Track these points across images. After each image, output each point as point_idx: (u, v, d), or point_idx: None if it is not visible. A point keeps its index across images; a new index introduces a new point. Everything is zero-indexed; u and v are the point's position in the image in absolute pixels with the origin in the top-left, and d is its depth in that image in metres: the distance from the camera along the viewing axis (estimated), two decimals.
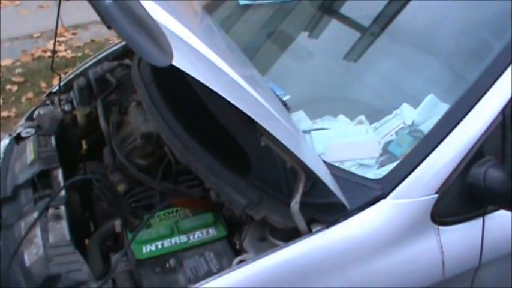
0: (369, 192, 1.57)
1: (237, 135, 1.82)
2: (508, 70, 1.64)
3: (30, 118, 2.54)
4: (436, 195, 1.58)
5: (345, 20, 2.38)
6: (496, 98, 1.63)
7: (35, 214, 1.88)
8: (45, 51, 5.72)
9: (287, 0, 2.63)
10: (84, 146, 2.52)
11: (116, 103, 2.42)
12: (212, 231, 1.84)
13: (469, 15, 2.02)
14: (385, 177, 1.62)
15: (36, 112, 2.54)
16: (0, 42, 5.65)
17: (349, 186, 1.57)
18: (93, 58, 2.74)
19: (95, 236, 1.97)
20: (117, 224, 1.93)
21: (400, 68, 2.09)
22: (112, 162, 2.24)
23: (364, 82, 2.12)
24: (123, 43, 2.73)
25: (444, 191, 1.59)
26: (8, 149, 2.36)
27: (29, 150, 2.25)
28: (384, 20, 2.20)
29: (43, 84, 5.05)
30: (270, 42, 2.50)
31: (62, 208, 1.93)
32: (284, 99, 1.98)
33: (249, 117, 1.31)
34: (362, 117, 1.87)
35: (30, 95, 4.93)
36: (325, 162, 1.66)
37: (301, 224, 1.54)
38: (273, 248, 1.54)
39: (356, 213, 1.54)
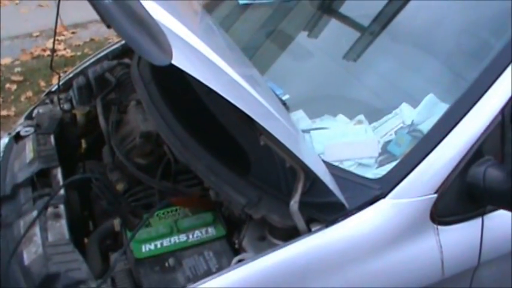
0: (368, 192, 1.57)
1: (236, 134, 1.82)
2: (508, 70, 1.64)
3: (29, 117, 2.54)
4: (435, 195, 1.58)
5: (345, 19, 2.38)
6: (496, 98, 1.63)
7: (34, 213, 1.88)
8: (44, 50, 5.72)
9: None
10: (84, 145, 2.53)
11: (115, 102, 2.42)
12: (211, 231, 1.84)
13: (469, 15, 2.02)
14: (384, 176, 1.62)
15: (35, 111, 2.54)
16: None
17: (348, 185, 1.57)
18: (93, 57, 2.74)
19: (94, 235, 1.97)
20: (116, 223, 1.93)
21: (400, 68, 2.09)
22: (111, 161, 2.24)
23: (364, 82, 2.12)
24: (123, 42, 2.73)
25: (443, 190, 1.59)
26: (7, 148, 2.36)
27: (28, 149, 2.25)
28: (383, 20, 2.20)
29: (42, 83, 5.05)
30: (270, 41, 2.50)
31: (61, 207, 1.93)
32: (283, 98, 1.99)
33: (248, 116, 1.31)
34: (361, 117, 1.87)
35: (29, 93, 4.93)
36: (324, 161, 1.66)
37: (301, 224, 1.54)
38: (272, 247, 1.54)
39: (355, 212, 1.54)
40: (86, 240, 2.03)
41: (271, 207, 1.64)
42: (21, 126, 2.44)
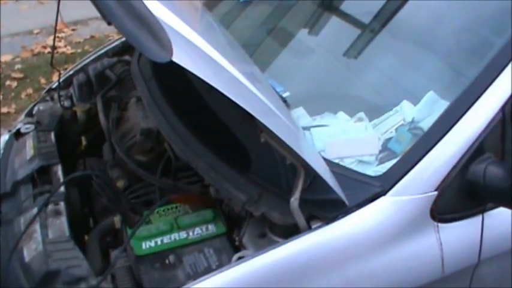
0: (368, 189, 1.57)
1: (236, 131, 1.82)
2: (508, 67, 1.64)
3: (29, 114, 2.54)
4: (436, 193, 1.58)
5: (345, 16, 2.38)
6: (496, 95, 1.63)
7: (35, 210, 1.88)
8: (44, 47, 5.73)
9: None
10: (84, 142, 2.53)
11: (115, 99, 2.42)
12: (211, 228, 1.84)
13: (470, 12, 2.02)
14: (384, 174, 1.62)
15: (35, 108, 2.55)
16: (0, 37, 5.65)
17: (348, 183, 1.57)
18: (93, 54, 2.74)
19: (95, 232, 1.97)
20: (117, 220, 1.93)
21: (400, 65, 2.09)
22: (112, 158, 2.24)
23: (364, 79, 2.11)
24: (123, 39, 2.73)
25: (444, 188, 1.59)
26: (8, 145, 2.36)
27: (29, 146, 2.25)
28: (384, 17, 2.20)
29: (43, 80, 5.06)
30: (270, 38, 2.50)
31: (62, 204, 1.93)
32: (284, 95, 1.98)
33: (248, 113, 1.31)
34: (362, 114, 1.87)
35: (29, 91, 4.93)
36: (324, 159, 1.66)
37: (301, 221, 1.54)
38: (273, 244, 1.54)
39: (355, 210, 1.54)
40: (86, 237, 2.03)
41: (272, 204, 1.64)
42: (21, 123, 2.44)
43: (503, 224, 1.70)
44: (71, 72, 2.67)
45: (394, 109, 1.83)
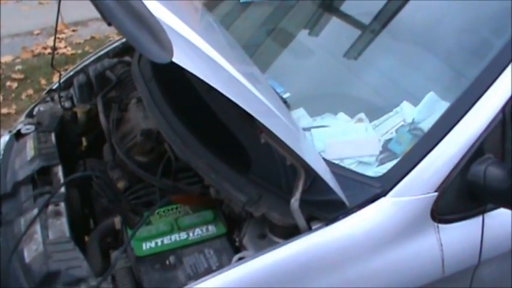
0: (368, 190, 1.57)
1: (236, 132, 1.82)
2: (509, 68, 1.64)
3: (30, 115, 2.55)
4: (436, 193, 1.58)
5: (345, 17, 2.38)
6: (496, 96, 1.63)
7: (35, 211, 1.88)
8: (45, 48, 5.73)
9: None
10: (84, 143, 2.53)
11: (116, 100, 2.42)
12: (212, 228, 1.84)
13: (470, 13, 2.02)
14: (385, 175, 1.61)
15: (36, 109, 2.55)
16: (0, 38, 5.65)
17: (349, 183, 1.57)
18: (93, 55, 2.75)
19: (95, 232, 1.97)
20: (117, 220, 1.94)
21: (400, 66, 2.09)
22: (112, 159, 2.24)
23: (364, 80, 2.12)
24: (123, 40, 2.73)
25: (444, 189, 1.59)
26: (8, 146, 2.36)
27: (29, 147, 2.25)
28: (384, 18, 2.20)
29: (43, 81, 5.06)
30: (271, 39, 2.50)
31: (62, 205, 1.93)
32: (284, 96, 1.98)
33: (249, 114, 1.31)
34: (362, 115, 1.87)
35: (30, 91, 4.93)
36: (325, 159, 1.66)
37: (301, 221, 1.54)
38: (273, 245, 1.54)
39: (356, 210, 1.54)
40: (86, 238, 2.03)
41: (272, 205, 1.64)
42: (21, 124, 2.44)
43: (503, 225, 1.70)
44: (72, 73, 2.67)
45: (394, 110, 1.83)
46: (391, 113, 1.83)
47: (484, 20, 1.97)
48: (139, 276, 1.71)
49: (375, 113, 1.86)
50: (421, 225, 1.59)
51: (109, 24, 1.28)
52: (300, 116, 1.93)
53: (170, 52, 1.17)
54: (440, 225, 1.61)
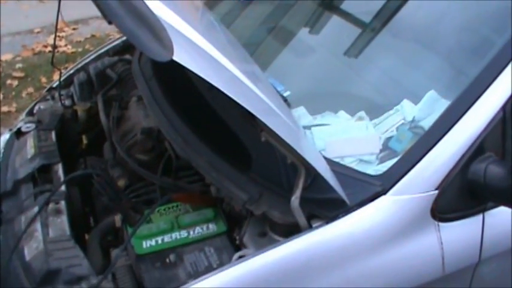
0: (369, 188, 1.57)
1: (237, 130, 1.82)
2: (509, 66, 1.64)
3: (30, 113, 2.55)
4: (436, 192, 1.58)
5: (346, 15, 2.38)
6: (497, 94, 1.63)
7: (35, 209, 1.88)
8: (45, 46, 5.73)
9: None
10: (85, 141, 2.53)
11: (116, 98, 2.42)
12: (212, 227, 1.84)
13: (470, 11, 2.02)
14: (385, 173, 1.61)
15: (36, 107, 2.55)
16: (0, 37, 5.66)
17: (349, 182, 1.57)
18: (94, 53, 2.74)
19: (95, 231, 1.97)
20: (118, 219, 1.94)
21: (401, 64, 2.09)
22: (112, 157, 2.24)
23: (365, 78, 2.11)
24: (124, 38, 2.73)
25: (444, 187, 1.59)
26: (9, 144, 2.36)
27: (30, 145, 2.25)
28: (384, 16, 2.20)
29: (43, 79, 5.06)
30: (271, 38, 2.50)
31: (62, 203, 1.93)
32: (285, 94, 1.98)
33: (249, 112, 1.31)
34: (362, 113, 1.87)
35: (30, 90, 4.93)
36: (325, 158, 1.66)
37: (301, 220, 1.54)
38: (273, 243, 1.54)
39: (356, 209, 1.54)
40: (87, 236, 2.03)
41: (272, 203, 1.64)
42: (22, 122, 2.44)
43: (503, 223, 1.70)
44: (72, 71, 2.67)
45: (394, 108, 1.83)
46: (391, 111, 1.83)
47: (485, 19, 1.97)
48: (140, 274, 1.71)
49: (375, 111, 1.86)
50: (421, 224, 1.59)
51: (109, 22, 1.28)
52: (301, 114, 1.93)
53: (170, 50, 1.17)
54: (441, 224, 1.61)
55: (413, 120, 1.77)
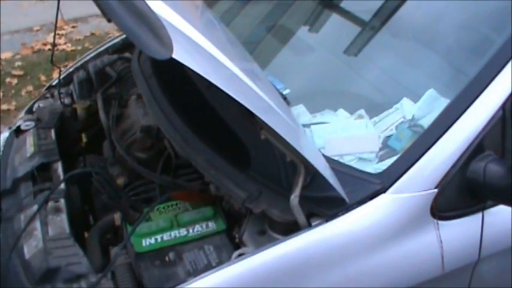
0: (368, 187, 1.57)
1: (236, 128, 1.82)
2: (508, 65, 1.64)
3: (30, 111, 2.55)
4: (436, 190, 1.58)
5: (345, 14, 2.38)
6: (496, 93, 1.63)
7: (35, 207, 1.88)
8: (45, 45, 5.72)
9: None
10: (84, 139, 2.53)
11: (115, 96, 2.42)
12: (211, 225, 1.84)
13: (470, 10, 2.02)
14: (384, 171, 1.61)
15: (36, 105, 2.55)
16: (0, 35, 5.65)
17: (348, 180, 1.57)
18: (93, 51, 2.74)
19: (95, 229, 1.97)
20: (117, 217, 1.94)
21: (400, 63, 2.09)
22: (112, 156, 2.24)
23: (364, 76, 2.11)
24: (123, 36, 2.73)
25: (444, 185, 1.59)
26: (8, 142, 2.36)
27: (29, 143, 2.25)
28: (384, 15, 2.19)
29: (43, 78, 5.06)
30: (271, 36, 2.50)
31: (62, 201, 1.94)
32: (284, 93, 1.98)
33: (248, 110, 1.31)
34: (362, 112, 1.87)
35: (30, 88, 4.93)
36: (324, 156, 1.66)
37: (301, 218, 1.54)
38: (272, 241, 1.54)
39: (355, 207, 1.54)
40: (86, 234, 2.03)
41: (272, 201, 1.64)
42: (21, 121, 2.44)
43: (503, 222, 1.70)
44: (71, 70, 2.67)
45: (394, 106, 1.83)
46: (391, 110, 1.83)
47: (484, 17, 1.97)
48: (139, 272, 1.71)
49: (374, 109, 1.86)
50: (420, 222, 1.59)
51: (109, 20, 1.28)
52: (300, 112, 1.93)
53: (170, 48, 1.17)
54: (440, 222, 1.61)
55: (412, 119, 1.77)
